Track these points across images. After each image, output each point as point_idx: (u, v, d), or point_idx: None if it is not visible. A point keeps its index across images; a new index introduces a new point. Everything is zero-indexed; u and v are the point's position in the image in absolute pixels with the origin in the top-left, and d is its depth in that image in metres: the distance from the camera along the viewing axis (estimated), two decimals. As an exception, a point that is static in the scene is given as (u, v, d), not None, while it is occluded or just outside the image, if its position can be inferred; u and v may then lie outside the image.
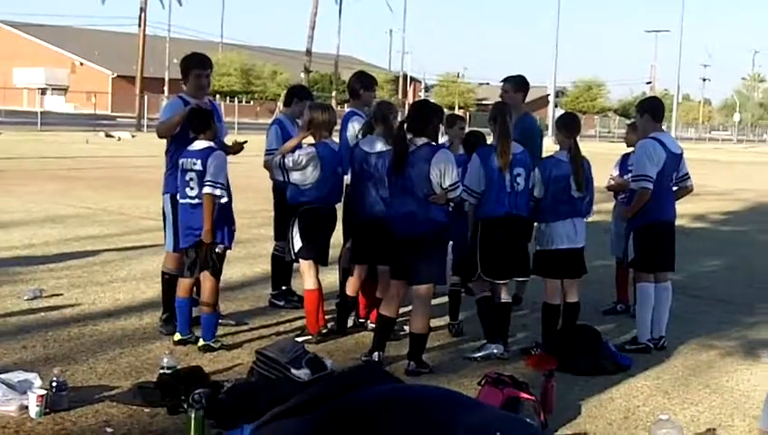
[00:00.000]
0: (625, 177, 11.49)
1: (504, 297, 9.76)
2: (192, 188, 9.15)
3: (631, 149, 11.44)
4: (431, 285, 9.14)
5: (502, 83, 11.56)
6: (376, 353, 9.12)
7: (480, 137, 10.58)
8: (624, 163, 11.80)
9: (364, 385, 5.99)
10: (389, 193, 9.31)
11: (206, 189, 9.05)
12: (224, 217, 9.23)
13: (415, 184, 8.84)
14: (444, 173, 8.84)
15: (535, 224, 10.09)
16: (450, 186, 8.88)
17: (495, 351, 9.58)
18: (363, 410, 5.57)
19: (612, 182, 11.92)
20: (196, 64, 10.03)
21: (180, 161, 9.25)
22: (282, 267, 11.33)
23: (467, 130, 11.30)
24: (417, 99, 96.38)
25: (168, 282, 9.92)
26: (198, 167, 9.07)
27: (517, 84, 11.44)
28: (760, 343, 10.59)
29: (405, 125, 9.10)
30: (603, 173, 11.86)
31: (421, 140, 8.93)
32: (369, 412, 5.53)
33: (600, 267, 12.37)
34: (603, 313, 11.73)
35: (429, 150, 8.90)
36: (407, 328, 9.61)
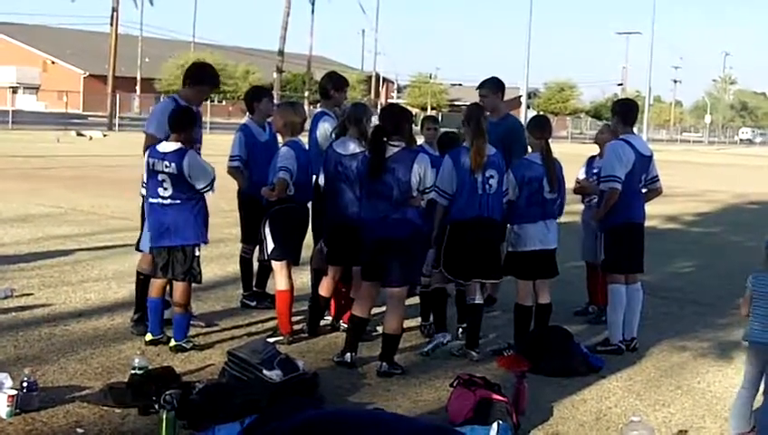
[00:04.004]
0: (590, 179, 11.52)
1: (476, 299, 9.77)
2: (166, 189, 9.07)
3: (597, 150, 11.53)
4: (406, 287, 9.15)
5: (478, 90, 11.48)
6: (348, 354, 9.12)
7: (454, 138, 10.58)
8: (590, 166, 11.81)
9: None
10: (362, 196, 9.29)
11: (209, 195, 9.19)
12: (199, 215, 9.22)
13: (393, 188, 8.85)
14: (425, 176, 8.88)
15: (508, 225, 10.07)
16: (427, 188, 8.92)
17: (442, 339, 9.66)
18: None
19: (578, 185, 11.91)
20: (210, 82, 10.17)
21: (150, 161, 9.13)
22: (251, 269, 11.36)
23: (441, 131, 11.31)
24: (389, 99, 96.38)
25: (143, 282, 9.89)
26: (172, 169, 8.97)
27: (494, 86, 11.36)
28: (731, 345, 10.63)
29: (379, 130, 9.09)
30: (575, 175, 11.88)
31: (398, 145, 8.94)
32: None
33: (572, 268, 12.40)
34: (575, 313, 11.73)
35: (409, 154, 8.93)
36: (379, 329, 9.61)
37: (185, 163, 8.94)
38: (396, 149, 8.92)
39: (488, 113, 10.91)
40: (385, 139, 8.97)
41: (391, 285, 9.06)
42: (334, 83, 11.02)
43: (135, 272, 10.10)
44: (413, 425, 6.75)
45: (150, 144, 9.42)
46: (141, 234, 9.84)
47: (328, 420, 6.54)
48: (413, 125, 9.42)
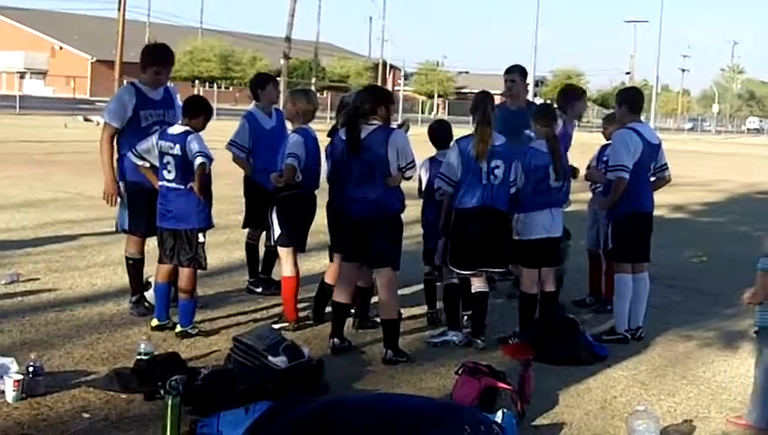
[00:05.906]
0: (599, 168, 11.44)
1: (480, 287, 9.74)
2: (170, 172, 9.16)
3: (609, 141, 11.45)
4: (390, 268, 9.13)
5: (506, 74, 11.52)
6: (333, 340, 9.16)
7: (445, 126, 10.47)
8: (602, 154, 11.73)
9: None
10: (347, 177, 9.20)
11: (199, 160, 9.01)
12: (201, 201, 9.21)
13: (374, 167, 8.86)
14: (401, 154, 8.87)
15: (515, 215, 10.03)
16: (406, 166, 8.90)
17: (455, 338, 9.62)
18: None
19: (588, 171, 11.83)
20: (153, 62, 9.97)
21: (159, 143, 9.22)
22: (257, 256, 11.38)
23: (436, 118, 11.27)
24: (396, 87, 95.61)
25: (133, 266, 10.07)
26: (176, 151, 9.06)
27: (523, 72, 11.51)
28: (737, 334, 10.62)
29: (357, 110, 9.09)
30: (581, 163, 11.83)
31: (374, 123, 8.94)
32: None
33: (578, 257, 12.37)
34: (573, 303, 11.59)
35: (384, 133, 8.91)
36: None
37: (187, 142, 9.03)
38: (371, 128, 8.92)
39: (508, 99, 10.94)
40: (361, 119, 8.96)
41: (380, 266, 9.07)
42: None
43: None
44: (422, 402, 6.76)
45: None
46: (118, 214, 10.08)
47: (336, 405, 6.55)
48: (392, 108, 9.37)
